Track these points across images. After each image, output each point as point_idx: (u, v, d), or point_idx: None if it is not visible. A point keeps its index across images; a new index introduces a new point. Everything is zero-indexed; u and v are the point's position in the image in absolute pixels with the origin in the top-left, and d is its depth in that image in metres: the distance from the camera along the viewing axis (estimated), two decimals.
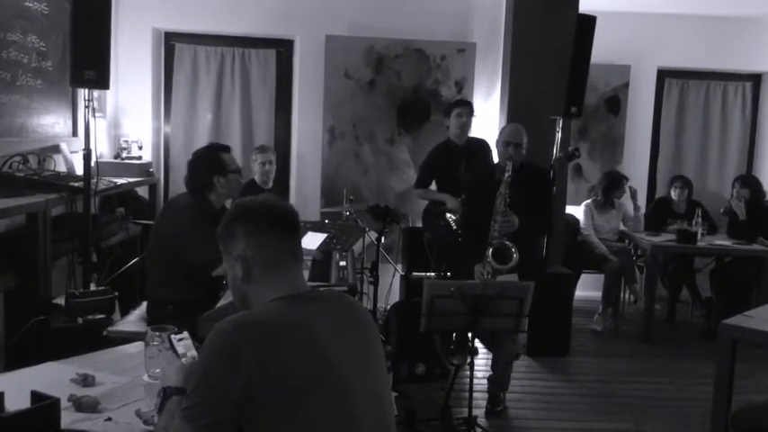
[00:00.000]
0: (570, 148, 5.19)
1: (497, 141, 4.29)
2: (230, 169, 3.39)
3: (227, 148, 3.50)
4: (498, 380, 4.07)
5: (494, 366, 4.09)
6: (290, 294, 1.62)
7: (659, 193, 6.88)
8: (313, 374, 1.49)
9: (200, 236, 3.22)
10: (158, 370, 2.06)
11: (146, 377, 2.08)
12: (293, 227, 1.72)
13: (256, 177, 5.25)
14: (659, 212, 6.16)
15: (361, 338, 1.66)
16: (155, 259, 3.42)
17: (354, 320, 1.68)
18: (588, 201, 6.13)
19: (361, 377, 1.58)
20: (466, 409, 3.59)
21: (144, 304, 3.62)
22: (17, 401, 1.70)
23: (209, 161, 3.37)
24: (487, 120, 6.07)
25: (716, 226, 6.09)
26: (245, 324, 1.51)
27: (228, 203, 4.86)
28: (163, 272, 3.36)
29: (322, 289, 1.83)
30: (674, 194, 6.20)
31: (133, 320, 3.56)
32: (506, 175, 3.95)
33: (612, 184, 6.01)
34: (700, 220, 5.69)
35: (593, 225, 6.00)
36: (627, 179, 6.13)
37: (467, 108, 5.12)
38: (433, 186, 5.21)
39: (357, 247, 4.81)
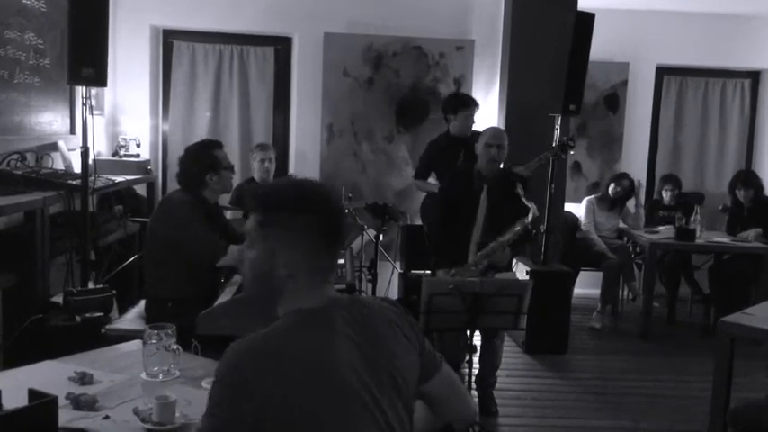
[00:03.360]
0: (565, 138, 5.03)
1: (477, 145, 4.11)
2: (223, 166, 3.39)
3: (219, 145, 3.49)
4: (487, 380, 4.06)
5: (482, 367, 4.08)
6: (317, 308, 1.50)
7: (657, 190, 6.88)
8: (326, 406, 1.42)
9: (202, 229, 3.24)
10: (156, 368, 2.07)
11: (144, 375, 2.08)
12: (344, 235, 1.62)
13: (256, 175, 5.25)
14: (653, 212, 6.21)
15: (386, 365, 1.52)
16: (152, 257, 3.41)
17: (383, 344, 1.53)
18: (591, 197, 6.12)
19: (379, 407, 1.48)
20: None
21: (142, 302, 3.62)
22: (15, 399, 1.70)
23: (202, 158, 3.37)
24: (486, 117, 6.06)
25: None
26: (257, 352, 1.43)
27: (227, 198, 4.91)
28: (161, 269, 3.36)
29: (353, 297, 1.65)
30: (665, 196, 6.22)
31: (131, 318, 3.55)
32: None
33: (611, 179, 6.03)
34: (698, 217, 5.69)
35: (594, 222, 6.00)
36: (630, 181, 6.12)
37: (477, 107, 5.12)
38: (433, 178, 5.22)
39: (355, 244, 4.81)
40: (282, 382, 1.39)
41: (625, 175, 6.13)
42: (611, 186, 5.99)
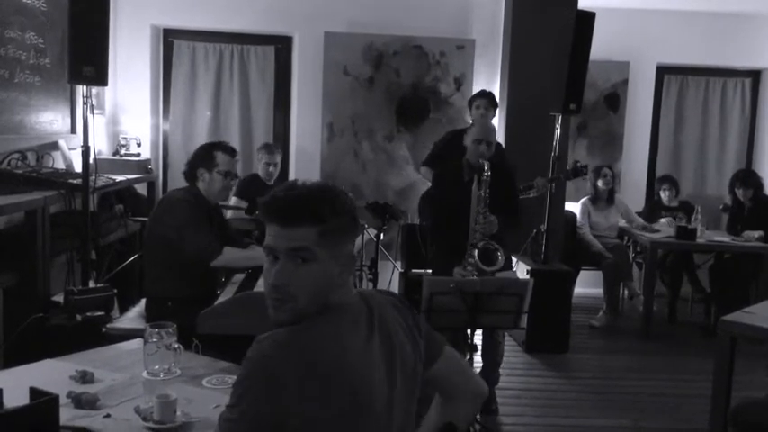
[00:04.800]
0: (579, 164, 5.16)
1: (466, 138, 4.10)
2: (218, 169, 3.34)
3: (226, 149, 3.42)
4: (489, 377, 4.05)
5: (484, 364, 4.08)
6: (346, 304, 1.51)
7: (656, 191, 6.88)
8: (350, 417, 1.42)
9: (195, 226, 3.22)
10: (157, 366, 2.08)
11: (145, 374, 2.08)
12: None
13: (260, 173, 5.27)
14: (654, 212, 6.21)
15: (400, 359, 1.56)
16: (152, 255, 3.41)
17: (394, 337, 1.56)
18: (585, 198, 6.14)
19: (396, 404, 1.52)
20: None
21: (143, 301, 3.61)
22: (16, 398, 1.70)
23: (202, 153, 3.37)
24: None
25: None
26: (290, 346, 1.40)
27: (234, 200, 4.91)
28: (160, 268, 3.35)
29: (364, 291, 1.65)
30: (663, 196, 6.23)
31: (132, 317, 3.55)
32: (485, 174, 3.79)
33: (594, 177, 6.02)
34: (699, 216, 5.70)
35: (591, 222, 6.01)
36: (608, 167, 6.13)
37: (485, 100, 5.00)
38: None
39: (356, 244, 4.80)
40: (312, 389, 1.38)
41: (602, 167, 6.14)
42: (599, 182, 6.01)
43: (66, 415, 1.77)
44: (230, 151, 3.43)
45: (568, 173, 5.12)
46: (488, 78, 6.18)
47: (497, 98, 5.86)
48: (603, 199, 6.05)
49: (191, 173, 3.37)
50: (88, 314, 3.50)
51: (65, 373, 2.06)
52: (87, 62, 3.79)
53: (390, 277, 5.44)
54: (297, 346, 1.41)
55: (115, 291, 3.77)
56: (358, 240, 4.85)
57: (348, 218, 1.50)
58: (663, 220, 6.03)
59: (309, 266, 1.45)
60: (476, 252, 3.78)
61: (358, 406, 1.43)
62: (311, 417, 1.39)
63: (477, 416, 3.75)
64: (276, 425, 1.38)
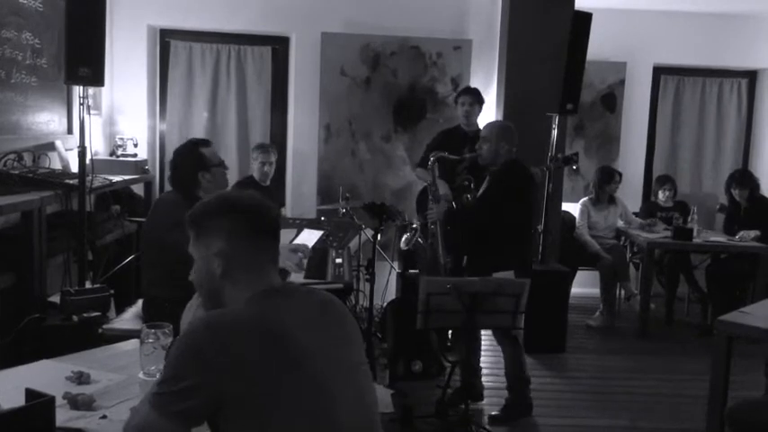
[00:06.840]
0: (569, 153, 5.20)
1: None
2: (213, 163, 3.33)
3: (206, 143, 3.43)
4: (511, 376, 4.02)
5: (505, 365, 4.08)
6: (264, 290, 1.60)
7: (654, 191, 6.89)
8: (289, 373, 1.47)
9: (184, 228, 3.20)
10: (153, 367, 2.07)
11: (141, 375, 2.08)
12: (276, 232, 1.71)
13: (255, 174, 5.26)
14: (650, 213, 6.21)
15: (339, 331, 1.65)
16: (148, 258, 3.40)
17: (331, 313, 1.67)
18: (585, 199, 6.14)
19: (341, 372, 1.56)
20: (462, 406, 3.59)
21: (139, 302, 3.60)
22: (12, 399, 1.70)
23: (191, 158, 3.32)
24: (484, 117, 6.06)
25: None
26: (216, 324, 1.50)
27: None
28: (156, 270, 3.33)
29: (295, 285, 1.79)
30: (661, 196, 6.24)
31: (129, 318, 3.54)
32: (430, 161, 4.16)
33: (604, 179, 6.03)
34: (695, 216, 5.71)
35: (589, 222, 6.01)
36: (620, 174, 6.15)
37: (468, 97, 5.04)
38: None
39: (353, 244, 4.80)
40: (244, 353, 1.44)
41: (614, 171, 6.15)
42: (607, 187, 6.01)
43: (63, 416, 1.76)
44: (207, 143, 3.45)
45: (559, 161, 5.11)
46: (485, 79, 6.18)
47: (495, 98, 5.90)
48: (605, 200, 6.06)
49: (189, 181, 3.30)
50: (85, 315, 3.49)
51: (61, 374, 2.06)
52: (84, 63, 3.78)
53: (387, 278, 5.43)
54: (223, 321, 1.51)
55: (112, 291, 3.76)
56: (355, 240, 4.88)
57: (212, 219, 1.65)
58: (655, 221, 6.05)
59: (195, 263, 1.68)
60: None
61: (292, 375, 1.47)
62: (247, 388, 1.43)
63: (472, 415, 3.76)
64: (211, 397, 1.43)
